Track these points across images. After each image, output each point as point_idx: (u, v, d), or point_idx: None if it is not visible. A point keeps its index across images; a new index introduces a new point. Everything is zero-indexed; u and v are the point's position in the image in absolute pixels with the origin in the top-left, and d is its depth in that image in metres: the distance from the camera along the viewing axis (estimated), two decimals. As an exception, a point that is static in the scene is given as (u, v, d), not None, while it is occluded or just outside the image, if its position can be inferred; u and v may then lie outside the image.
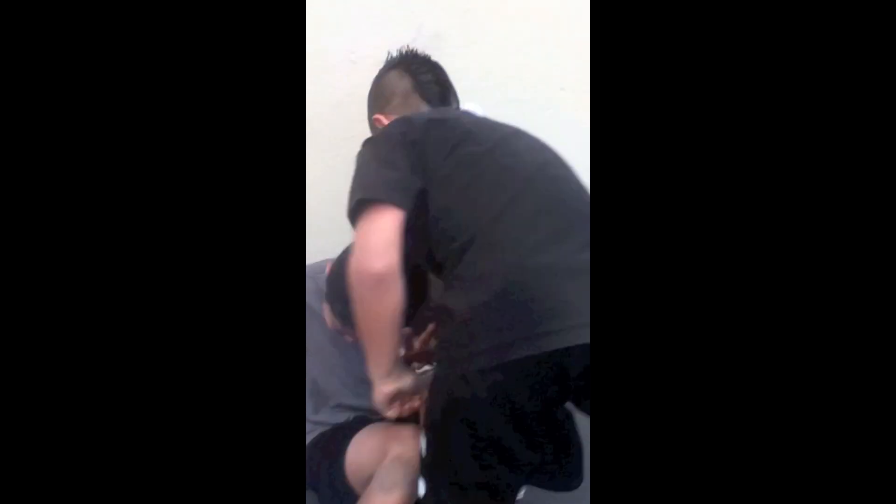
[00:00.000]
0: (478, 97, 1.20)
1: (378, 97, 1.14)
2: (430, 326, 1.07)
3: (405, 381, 0.93)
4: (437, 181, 0.87)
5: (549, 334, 0.75)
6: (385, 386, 0.91)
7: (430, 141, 0.88)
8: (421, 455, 0.89)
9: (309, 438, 1.21)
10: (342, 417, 1.23)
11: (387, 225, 0.83)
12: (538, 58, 1.44)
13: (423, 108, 1.06)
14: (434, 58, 1.18)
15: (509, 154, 0.89)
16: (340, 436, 1.16)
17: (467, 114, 1.03)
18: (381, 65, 1.36)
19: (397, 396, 0.94)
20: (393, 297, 0.82)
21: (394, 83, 1.11)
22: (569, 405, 0.93)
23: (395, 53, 1.16)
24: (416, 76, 1.09)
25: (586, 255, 0.75)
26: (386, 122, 1.08)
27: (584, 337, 0.72)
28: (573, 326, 0.74)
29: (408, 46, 1.16)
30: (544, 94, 1.46)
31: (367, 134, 1.39)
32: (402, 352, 1.02)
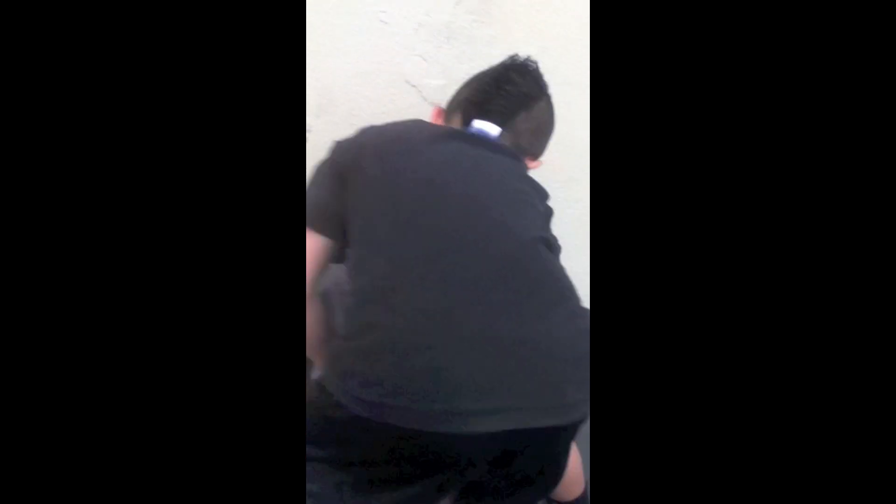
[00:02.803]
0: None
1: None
2: None
3: None
4: (355, 210, 0.90)
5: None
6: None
7: (359, 174, 0.90)
8: None
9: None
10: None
11: (309, 253, 0.92)
12: (576, 44, 1.36)
13: (456, 123, 1.02)
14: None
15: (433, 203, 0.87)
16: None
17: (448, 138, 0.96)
18: (415, 27, 1.29)
19: None
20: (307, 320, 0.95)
21: (462, 88, 1.07)
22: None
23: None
24: (475, 91, 1.03)
25: (504, 325, 0.78)
26: (437, 116, 1.08)
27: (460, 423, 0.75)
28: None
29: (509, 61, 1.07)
30: (576, 86, 1.39)
31: (401, 102, 1.35)
32: None
